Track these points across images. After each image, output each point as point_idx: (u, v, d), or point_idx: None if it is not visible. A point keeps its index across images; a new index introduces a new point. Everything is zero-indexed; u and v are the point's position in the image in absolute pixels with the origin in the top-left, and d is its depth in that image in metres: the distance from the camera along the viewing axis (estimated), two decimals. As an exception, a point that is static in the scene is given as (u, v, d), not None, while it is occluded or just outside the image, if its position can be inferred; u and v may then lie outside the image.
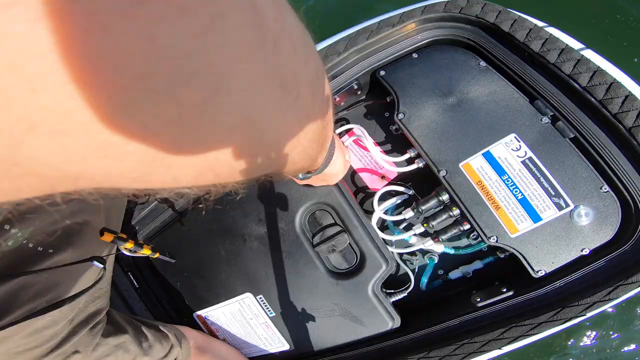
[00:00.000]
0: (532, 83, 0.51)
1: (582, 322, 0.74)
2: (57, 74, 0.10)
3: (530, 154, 0.49)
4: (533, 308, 0.49)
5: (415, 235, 0.56)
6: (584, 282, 0.47)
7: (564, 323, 0.46)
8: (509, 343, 0.48)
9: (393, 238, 0.56)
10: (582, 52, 0.48)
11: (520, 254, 0.48)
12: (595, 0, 0.95)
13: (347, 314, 0.55)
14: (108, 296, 0.55)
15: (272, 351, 0.62)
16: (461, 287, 0.58)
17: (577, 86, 0.48)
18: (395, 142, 0.61)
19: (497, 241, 0.48)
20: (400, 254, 0.59)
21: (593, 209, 0.46)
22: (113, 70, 0.10)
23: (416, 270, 0.60)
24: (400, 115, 0.54)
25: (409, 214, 0.55)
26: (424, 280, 0.58)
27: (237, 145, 0.16)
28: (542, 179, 0.48)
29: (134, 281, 0.69)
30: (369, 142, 0.57)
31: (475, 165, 0.50)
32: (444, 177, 0.51)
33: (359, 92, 0.61)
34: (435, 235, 0.54)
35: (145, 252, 0.55)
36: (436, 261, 0.58)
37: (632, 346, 0.84)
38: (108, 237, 0.46)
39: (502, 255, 0.54)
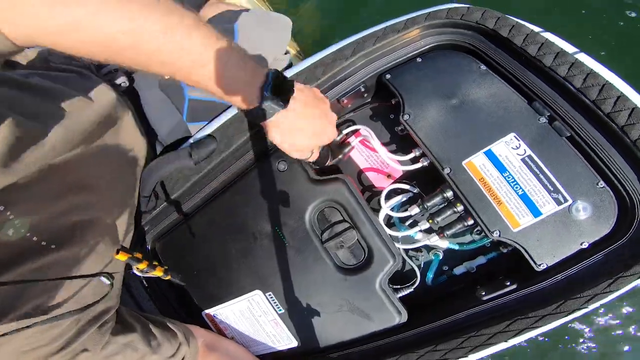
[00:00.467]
0: (530, 85, 0.54)
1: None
2: None
3: (529, 152, 0.51)
4: (537, 301, 0.50)
5: (420, 231, 0.58)
6: (585, 274, 0.49)
7: (567, 315, 0.47)
8: (515, 336, 0.49)
9: (399, 234, 0.58)
10: (576, 56, 0.52)
11: (523, 247, 0.50)
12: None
13: (355, 309, 0.56)
14: (118, 295, 0.55)
15: (281, 348, 0.63)
16: (465, 282, 0.60)
17: (571, 88, 0.51)
18: (400, 143, 0.64)
19: (500, 235, 0.50)
20: (406, 250, 0.61)
21: (590, 204, 0.49)
22: None
23: (422, 266, 0.61)
24: (406, 117, 0.56)
25: (414, 210, 0.57)
26: (430, 275, 0.60)
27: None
28: (541, 176, 0.50)
29: (143, 280, 0.70)
30: (375, 142, 0.60)
31: (477, 163, 0.53)
32: (448, 174, 0.53)
33: (365, 95, 0.64)
34: (440, 231, 0.56)
35: (157, 273, 0.54)
36: (441, 257, 0.60)
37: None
38: (123, 257, 0.45)
39: (504, 250, 0.56)
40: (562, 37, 0.53)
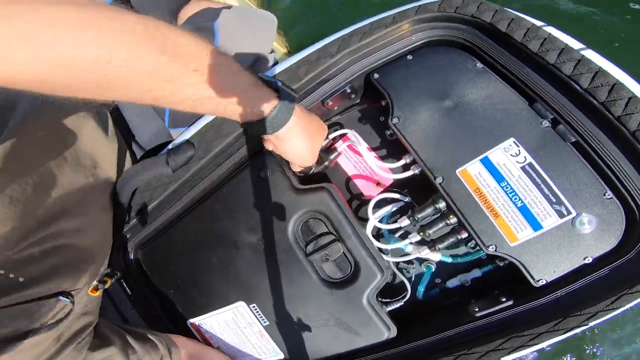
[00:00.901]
0: (531, 85, 0.49)
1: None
2: None
3: (530, 159, 0.47)
4: (533, 318, 0.47)
5: (411, 243, 0.54)
6: (587, 291, 0.46)
7: (565, 333, 0.45)
8: (509, 354, 0.46)
9: (389, 247, 0.55)
10: (583, 52, 0.46)
11: (520, 263, 0.46)
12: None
13: (342, 323, 0.54)
14: (97, 311, 0.54)
15: (267, 360, 0.61)
16: (459, 296, 0.57)
17: (578, 88, 0.46)
18: (391, 148, 0.59)
19: (495, 250, 0.47)
20: (397, 263, 0.58)
21: (596, 217, 0.45)
22: None
23: (413, 278, 0.58)
24: (395, 120, 0.52)
25: (404, 222, 0.53)
26: (421, 289, 0.57)
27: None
28: (542, 186, 0.46)
29: (127, 288, 0.68)
30: (363, 147, 0.56)
31: (472, 171, 0.49)
32: (440, 184, 0.49)
33: (352, 96, 0.60)
34: (432, 244, 0.53)
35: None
36: (433, 270, 0.57)
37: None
38: (95, 293, 0.47)
39: (501, 264, 0.53)
40: (567, 32, 0.48)
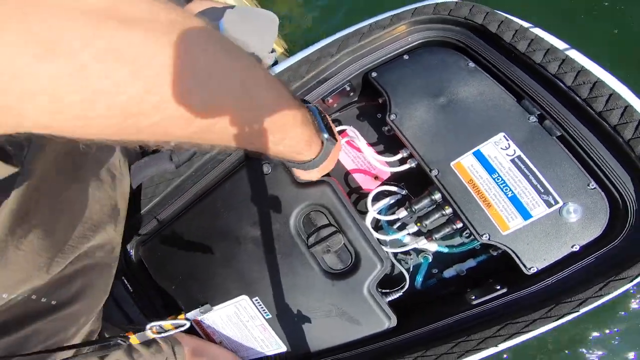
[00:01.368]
0: (519, 83, 0.52)
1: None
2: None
3: (519, 152, 0.50)
4: (527, 305, 0.49)
5: (409, 234, 0.56)
6: (576, 278, 0.48)
7: (557, 320, 0.46)
8: (505, 340, 0.48)
9: (387, 238, 0.57)
10: (567, 52, 0.50)
11: (512, 251, 0.49)
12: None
13: (343, 314, 0.55)
14: (100, 318, 0.54)
15: (269, 353, 0.62)
16: (455, 286, 0.59)
17: (562, 85, 0.49)
18: (388, 143, 0.62)
19: (489, 239, 0.49)
20: (395, 254, 0.60)
21: (581, 206, 0.47)
22: None
23: (411, 269, 0.60)
24: (393, 116, 0.54)
25: (402, 213, 0.55)
26: (419, 279, 0.59)
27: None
28: (531, 177, 0.49)
29: (128, 285, 0.68)
30: (361, 143, 0.58)
31: (466, 164, 0.51)
32: (436, 176, 0.51)
33: (351, 94, 0.62)
34: (428, 234, 0.55)
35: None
36: (430, 260, 0.59)
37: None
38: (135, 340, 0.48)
39: (494, 253, 0.55)
40: (552, 33, 0.51)
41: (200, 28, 0.22)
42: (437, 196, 0.52)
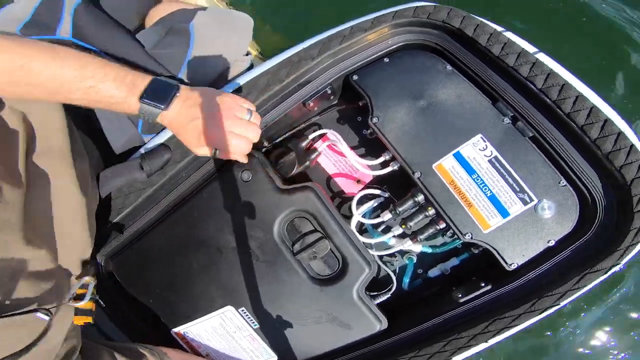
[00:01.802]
0: (494, 85, 0.54)
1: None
2: None
3: (495, 153, 0.51)
4: (511, 300, 0.51)
5: (394, 236, 0.57)
6: (554, 272, 0.50)
7: (541, 313, 0.48)
8: (494, 336, 0.49)
9: (373, 241, 0.57)
10: (537, 55, 0.52)
11: (494, 248, 0.50)
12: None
13: (334, 319, 0.55)
14: (79, 334, 0.50)
15: (259, 364, 0.61)
16: (441, 285, 0.60)
17: (533, 88, 0.51)
18: (369, 146, 0.62)
19: (472, 238, 0.50)
20: (381, 256, 0.60)
21: (554, 202, 0.50)
22: None
23: (397, 271, 0.61)
24: (375, 120, 0.54)
25: (386, 216, 0.56)
26: (406, 280, 0.60)
27: None
28: (507, 176, 0.51)
29: (100, 301, 0.64)
30: (343, 146, 0.58)
31: (447, 165, 0.52)
32: (418, 178, 0.52)
33: (332, 97, 0.61)
34: (413, 236, 0.56)
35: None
36: (415, 260, 0.60)
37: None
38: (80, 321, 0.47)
39: (475, 251, 0.57)
40: (522, 37, 0.53)
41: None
42: (420, 198, 0.53)
